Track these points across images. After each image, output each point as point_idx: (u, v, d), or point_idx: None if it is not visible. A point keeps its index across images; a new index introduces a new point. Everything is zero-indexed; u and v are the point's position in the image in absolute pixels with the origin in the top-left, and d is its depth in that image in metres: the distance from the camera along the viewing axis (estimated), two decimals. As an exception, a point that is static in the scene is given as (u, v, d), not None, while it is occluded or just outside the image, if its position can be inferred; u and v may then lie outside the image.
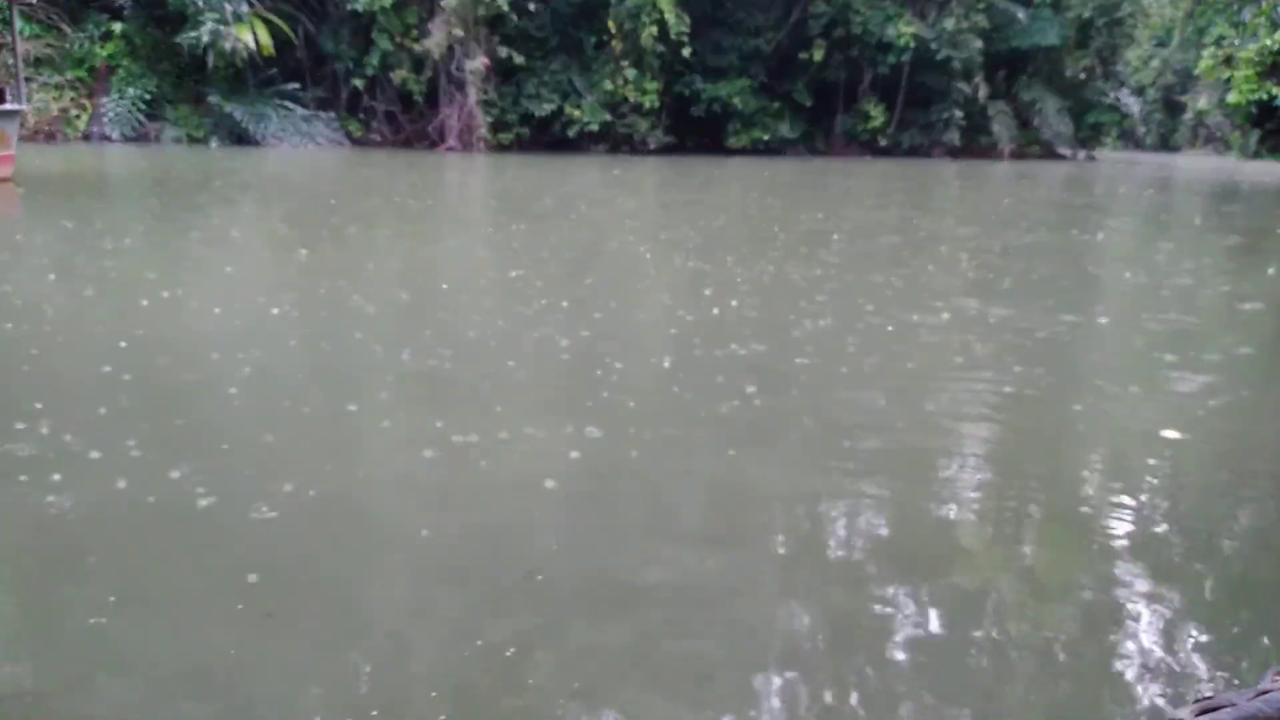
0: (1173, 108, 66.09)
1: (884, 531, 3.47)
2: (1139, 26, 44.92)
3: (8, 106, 16.06)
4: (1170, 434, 4.67)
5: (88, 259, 8.84)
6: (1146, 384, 5.68)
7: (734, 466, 4.05)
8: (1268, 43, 23.66)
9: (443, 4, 28.85)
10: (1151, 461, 4.33)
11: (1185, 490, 4.06)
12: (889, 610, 2.91)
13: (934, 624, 2.84)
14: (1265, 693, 1.16)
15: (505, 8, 28.76)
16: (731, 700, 2.46)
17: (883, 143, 35.61)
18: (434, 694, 2.44)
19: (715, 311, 7.09)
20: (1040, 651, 2.72)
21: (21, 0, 20.31)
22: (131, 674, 2.51)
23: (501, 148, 30.81)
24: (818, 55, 33.82)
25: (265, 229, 11.82)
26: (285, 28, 29.19)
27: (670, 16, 29.79)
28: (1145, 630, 2.87)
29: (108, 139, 28.29)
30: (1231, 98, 25.32)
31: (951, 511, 3.67)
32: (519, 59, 30.16)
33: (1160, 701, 2.50)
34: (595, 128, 30.91)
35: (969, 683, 2.56)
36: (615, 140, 31.89)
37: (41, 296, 7.07)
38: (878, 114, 35.21)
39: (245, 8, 27.07)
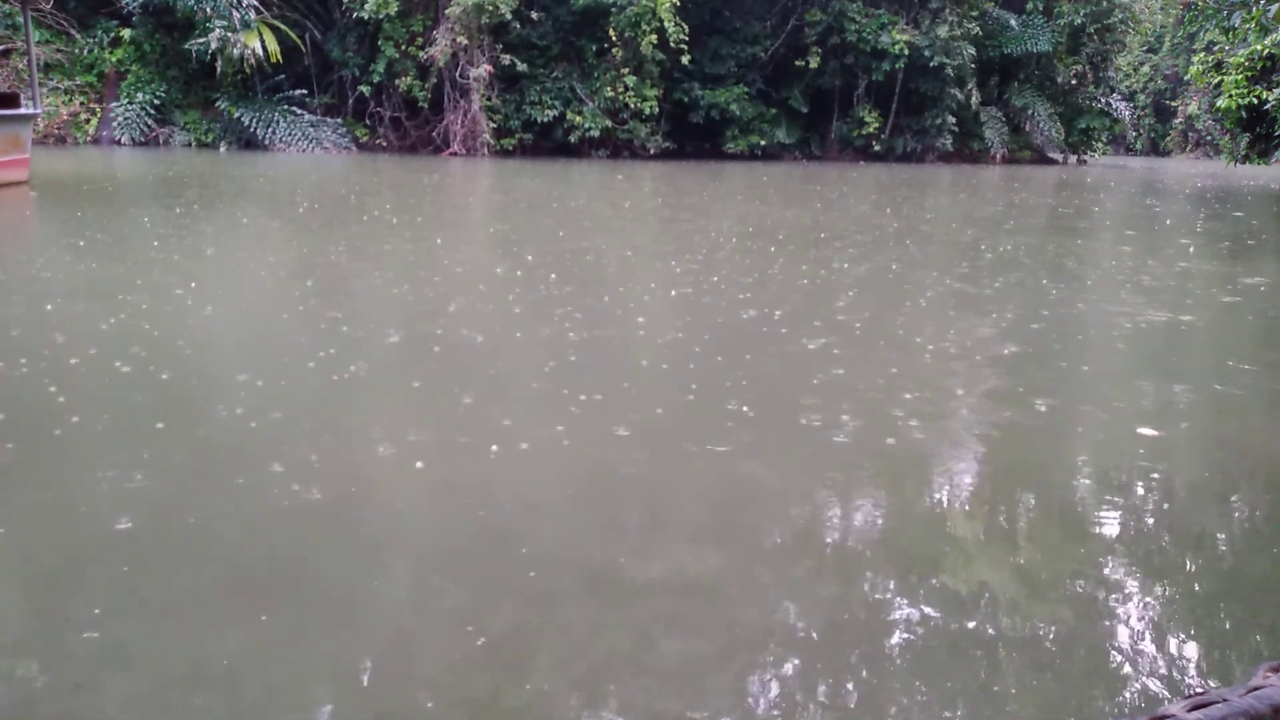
0: (1163, 113, 66.76)
1: (876, 529, 3.56)
2: (1130, 33, 45.40)
3: (23, 111, 16.39)
4: (1159, 433, 4.73)
5: (104, 260, 8.98)
6: (1134, 383, 5.74)
7: (732, 464, 4.11)
8: (1257, 48, 24.10)
9: (447, 13, 29.30)
10: (1140, 460, 4.39)
11: (1175, 488, 4.12)
12: (883, 607, 2.98)
13: (927, 620, 2.90)
14: (1257, 689, 1.13)
15: (508, 16, 29.22)
16: (730, 695, 2.51)
17: (877, 148, 36.12)
18: (434, 690, 2.51)
19: (715, 309, 7.34)
20: (1032, 648, 2.77)
21: (33, 4, 20.78)
22: (135, 675, 2.53)
23: (505, 153, 31.24)
24: (814, 63, 34.33)
25: (284, 228, 12.02)
26: (292, 35, 29.60)
27: (670, 25, 30.29)
28: (1137, 626, 2.91)
29: (117, 143, 28.67)
30: (1221, 102, 25.72)
31: (942, 509, 3.76)
32: (521, 66, 30.59)
33: (1152, 698, 2.53)
34: (596, 133, 31.34)
35: (962, 678, 2.61)
36: (616, 146, 32.35)
37: (59, 298, 7.20)
38: (872, 120, 35.70)
39: (253, 15, 27.43)
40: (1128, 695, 2.56)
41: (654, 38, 30.26)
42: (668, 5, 30.15)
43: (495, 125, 31.00)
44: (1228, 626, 2.97)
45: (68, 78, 29.07)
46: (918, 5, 35.06)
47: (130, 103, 29.15)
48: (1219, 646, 2.85)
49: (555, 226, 13.15)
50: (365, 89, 30.98)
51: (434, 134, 31.47)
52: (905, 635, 2.82)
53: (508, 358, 5.88)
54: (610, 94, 31.17)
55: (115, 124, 28.95)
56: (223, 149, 29.18)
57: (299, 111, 30.35)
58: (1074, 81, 40.67)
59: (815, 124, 37.00)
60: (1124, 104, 43.44)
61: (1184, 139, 65.49)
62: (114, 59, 29.40)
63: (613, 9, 30.02)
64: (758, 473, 4.07)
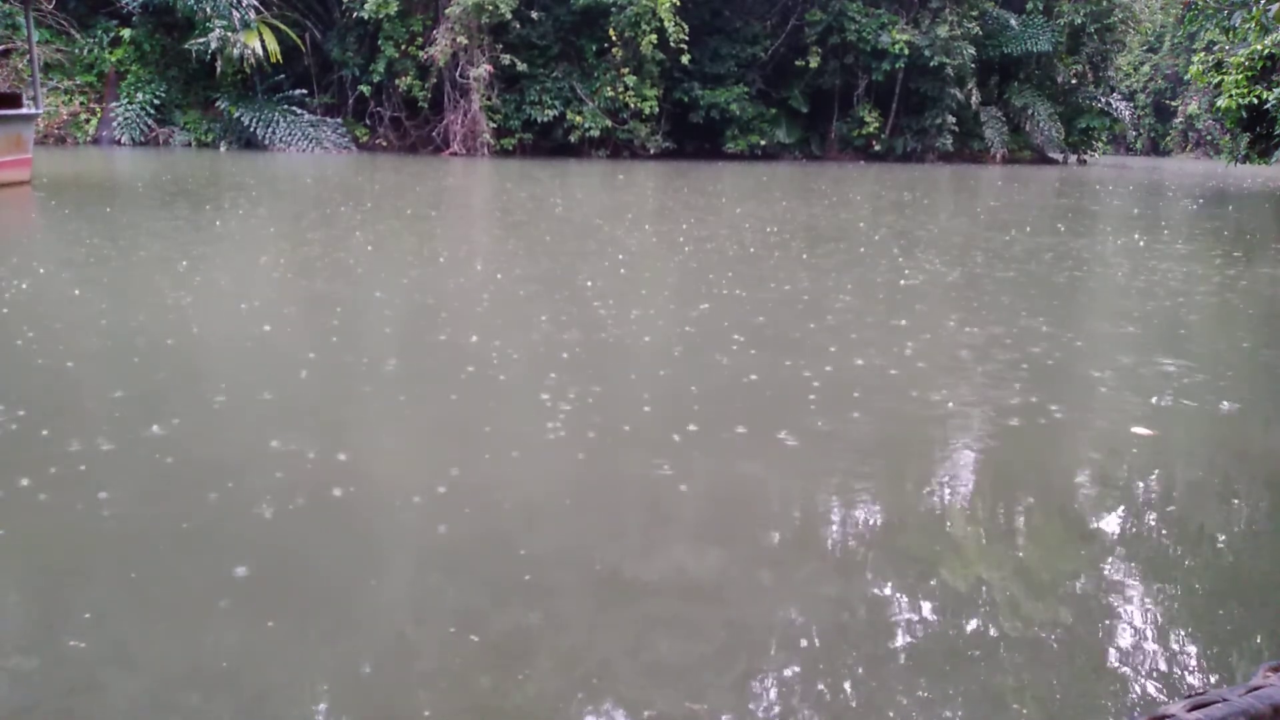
0: (1163, 112, 66.77)
1: (877, 530, 3.57)
2: (1130, 32, 45.41)
3: (25, 111, 16.41)
4: (1160, 433, 4.73)
5: (105, 259, 9.01)
6: (1134, 384, 5.72)
7: (732, 465, 4.13)
8: (1258, 48, 24.05)
9: (447, 13, 29.30)
10: (1140, 460, 4.39)
11: (1176, 488, 4.13)
12: (883, 607, 2.98)
13: (927, 621, 2.91)
14: (1257, 689, 1.13)
15: (508, 16, 29.21)
16: (730, 695, 2.51)
17: (877, 148, 36.12)
18: (434, 690, 2.50)
19: (715, 311, 7.34)
20: (1032, 648, 2.77)
21: (34, 4, 20.79)
22: (135, 676, 2.53)
23: (504, 153, 31.25)
24: (814, 62, 34.34)
25: (282, 228, 12.00)
26: (292, 35, 29.60)
27: (670, 25, 30.29)
28: (1137, 626, 2.92)
29: (117, 143, 28.68)
30: (1221, 102, 25.67)
31: (941, 509, 3.76)
32: (521, 66, 30.59)
33: (1151, 698, 2.54)
34: (596, 133, 31.35)
35: (962, 678, 2.62)
36: (615, 146, 32.37)
37: (58, 297, 7.20)
38: (872, 120, 35.71)
39: (253, 15, 27.44)
40: (1128, 695, 2.56)
41: (654, 38, 30.26)
42: (668, 5, 30.14)
43: (495, 125, 31.01)
44: (1228, 626, 2.97)
45: (68, 78, 29.07)
46: (918, 5, 35.06)
47: (130, 103, 29.16)
48: (1219, 646, 2.85)
49: (558, 227, 13.15)
50: (365, 89, 31.00)
51: (434, 134, 31.49)
52: (905, 636, 2.82)
53: (507, 359, 5.87)
54: (610, 94, 31.17)
55: (115, 124, 28.96)
56: (223, 149, 29.18)
57: (299, 111, 30.35)
58: (1074, 81, 40.66)
59: (815, 124, 37.01)
60: (1124, 104, 43.43)
61: (1184, 139, 65.47)
62: (114, 59, 29.40)
63: (613, 9, 30.02)
64: (758, 473, 4.06)
